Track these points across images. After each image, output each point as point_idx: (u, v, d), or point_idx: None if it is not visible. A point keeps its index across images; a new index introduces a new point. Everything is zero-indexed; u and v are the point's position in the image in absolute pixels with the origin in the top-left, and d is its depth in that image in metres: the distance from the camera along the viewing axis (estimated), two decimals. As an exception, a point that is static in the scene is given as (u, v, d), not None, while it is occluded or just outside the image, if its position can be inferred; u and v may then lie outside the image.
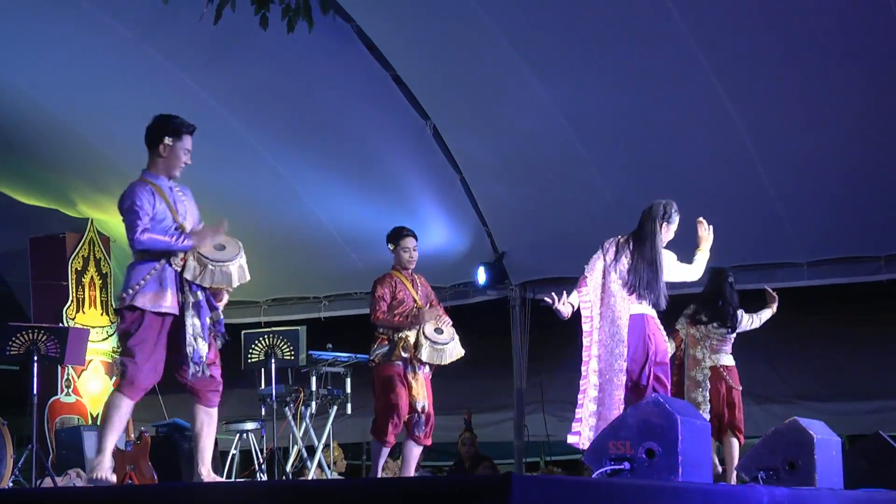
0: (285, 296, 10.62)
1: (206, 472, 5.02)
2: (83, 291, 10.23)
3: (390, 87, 8.56)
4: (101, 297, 10.40)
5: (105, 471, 4.88)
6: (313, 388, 8.31)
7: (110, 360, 10.12)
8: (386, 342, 6.58)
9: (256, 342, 8.28)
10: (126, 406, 4.91)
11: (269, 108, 8.91)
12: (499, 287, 10.00)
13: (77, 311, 10.13)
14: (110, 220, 10.32)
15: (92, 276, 10.34)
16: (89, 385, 10.08)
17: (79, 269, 10.25)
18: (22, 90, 8.89)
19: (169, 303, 4.88)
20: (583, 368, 5.69)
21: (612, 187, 8.79)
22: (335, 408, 8.40)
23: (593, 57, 8.02)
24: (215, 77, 8.62)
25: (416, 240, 6.86)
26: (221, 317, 5.03)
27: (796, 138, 8.04)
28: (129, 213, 4.84)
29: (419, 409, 6.49)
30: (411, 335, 6.54)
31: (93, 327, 10.01)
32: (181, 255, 4.86)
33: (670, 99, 8.08)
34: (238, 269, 4.88)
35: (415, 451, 6.67)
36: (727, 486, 5.41)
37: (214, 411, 5.10)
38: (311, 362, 8.28)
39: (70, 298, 10.06)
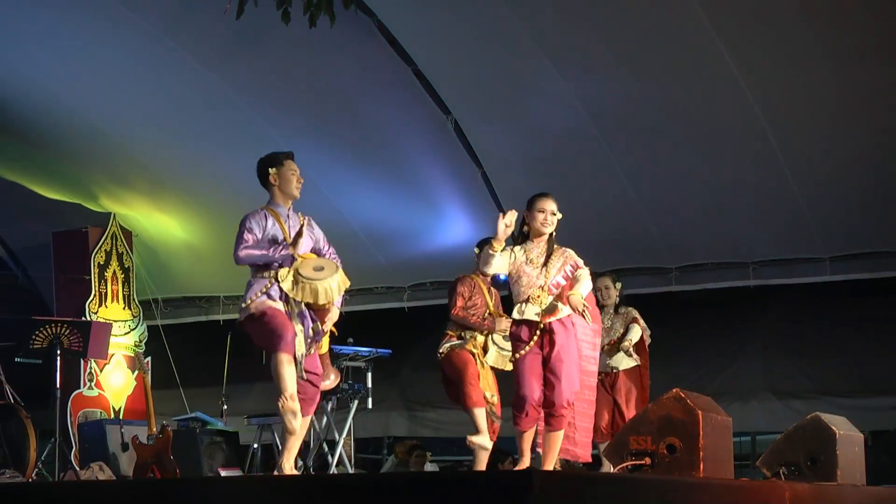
0: (306, 290, 10.74)
1: (288, 468, 5.37)
2: (105, 286, 10.25)
3: (411, 81, 8.55)
4: (123, 291, 10.42)
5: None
6: (334, 382, 8.36)
7: (132, 355, 10.12)
8: (455, 338, 6.65)
9: (278, 336, 8.32)
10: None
11: (290, 103, 8.94)
12: None
13: (99, 306, 10.15)
14: (133, 215, 10.48)
15: (114, 271, 10.36)
16: (111, 379, 10.10)
17: (101, 263, 10.27)
18: (45, 86, 8.96)
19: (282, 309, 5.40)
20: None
21: (633, 181, 8.76)
22: (356, 402, 8.42)
23: (615, 50, 8.00)
24: (237, 72, 8.66)
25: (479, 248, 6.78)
26: (320, 329, 5.47)
27: (819, 131, 8.02)
28: (237, 236, 5.42)
29: (487, 396, 6.54)
30: (480, 338, 6.64)
31: (115, 321, 10.03)
32: (286, 272, 5.36)
33: (692, 93, 8.06)
34: (325, 289, 5.35)
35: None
36: (749, 482, 5.30)
37: (307, 420, 5.49)
38: (332, 357, 8.14)
39: (92, 292, 10.10)
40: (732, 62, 7.68)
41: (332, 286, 5.43)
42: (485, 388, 6.56)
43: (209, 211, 10.09)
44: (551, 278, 5.64)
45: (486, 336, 6.64)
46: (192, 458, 7.83)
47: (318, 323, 5.50)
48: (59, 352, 7.46)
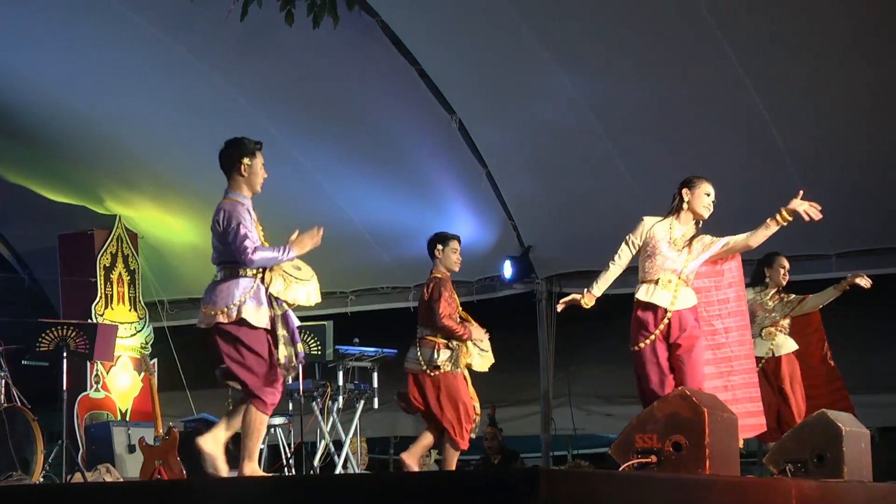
0: (312, 291, 10.76)
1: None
2: (111, 288, 10.28)
3: (415, 81, 8.53)
4: (129, 293, 10.44)
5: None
6: (340, 382, 8.29)
7: (139, 356, 10.15)
8: (444, 347, 6.54)
9: (284, 337, 8.34)
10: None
11: (294, 104, 8.93)
12: (525, 281, 9.95)
13: (105, 308, 10.18)
14: (138, 217, 10.51)
15: (120, 273, 10.38)
16: (118, 381, 10.11)
17: (107, 265, 10.30)
18: (49, 88, 8.97)
19: (266, 319, 5.09)
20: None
21: (638, 179, 8.70)
22: (362, 402, 8.41)
23: (619, 48, 7.97)
24: (241, 73, 8.66)
25: (459, 243, 6.84)
26: (297, 334, 5.23)
27: (823, 127, 7.98)
28: (237, 234, 5.02)
29: (478, 410, 6.59)
30: (464, 346, 6.63)
31: (121, 323, 10.04)
32: (271, 273, 5.07)
33: (696, 90, 8.03)
34: (307, 292, 5.11)
35: (455, 454, 6.70)
36: (756, 479, 5.43)
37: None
38: (337, 357, 8.28)
39: (98, 295, 10.12)
40: (736, 59, 7.65)
41: (316, 288, 5.23)
42: (474, 400, 6.57)
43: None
44: (689, 265, 5.51)
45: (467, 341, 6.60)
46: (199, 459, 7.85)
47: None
48: (65, 354, 7.49)
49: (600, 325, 9.05)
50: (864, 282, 6.68)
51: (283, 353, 5.01)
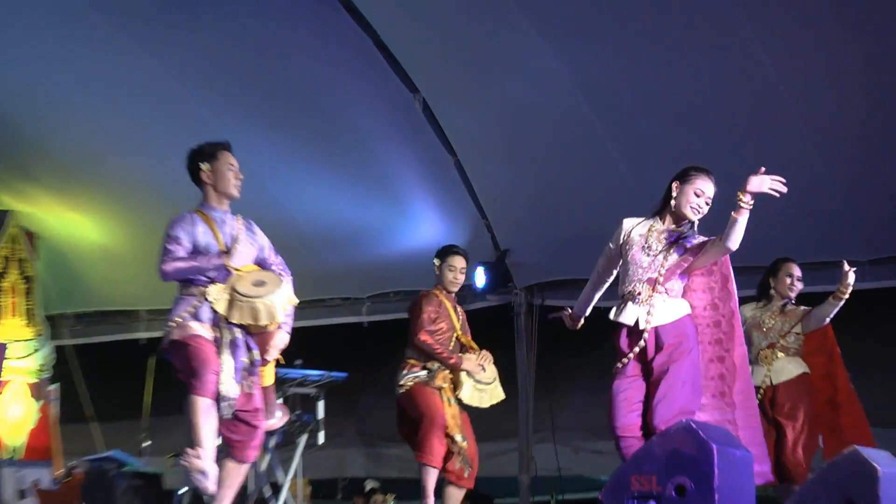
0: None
1: None
2: (3, 298, 10.13)
3: (372, 54, 8.57)
4: (24, 304, 10.35)
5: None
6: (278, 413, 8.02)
7: (35, 381, 10.02)
8: (419, 368, 6.78)
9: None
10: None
11: (227, 82, 8.98)
12: (501, 291, 10.04)
13: (-7, 322, 10.10)
14: (38, 214, 10.54)
15: (13, 280, 10.26)
16: (8, 411, 9.92)
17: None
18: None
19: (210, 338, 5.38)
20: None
21: (635, 172, 8.71)
22: (304, 437, 8.44)
23: (614, 18, 7.98)
24: (168, 46, 8.68)
25: (466, 259, 7.08)
26: (259, 359, 5.46)
27: (857, 118, 8.06)
28: (162, 243, 5.43)
29: (457, 440, 6.65)
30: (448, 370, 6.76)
31: (12, 341, 9.92)
32: (219, 288, 5.36)
33: (705, 68, 8.05)
34: (266, 308, 5.31)
35: (456, 495, 6.81)
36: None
37: (244, 468, 5.49)
38: (276, 382, 8.09)
39: (-16, 306, 10.01)
40: (756, 38, 7.68)
41: (276, 304, 5.39)
42: (453, 430, 6.64)
43: (130, 210, 10.11)
44: (667, 270, 5.47)
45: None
46: (107, 505, 7.64)
47: (258, 351, 5.49)
48: (-64, 379, 7.34)
49: (591, 344, 8.56)
50: (847, 277, 6.55)
51: (221, 383, 5.26)
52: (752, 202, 5.23)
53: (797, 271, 7.11)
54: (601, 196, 8.90)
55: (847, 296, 6.57)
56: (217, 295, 5.37)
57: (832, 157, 8.27)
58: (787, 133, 8.14)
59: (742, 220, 5.25)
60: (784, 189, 5.25)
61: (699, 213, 5.48)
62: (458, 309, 7.08)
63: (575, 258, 8.38)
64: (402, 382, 6.75)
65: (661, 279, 5.42)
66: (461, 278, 7.02)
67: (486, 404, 6.87)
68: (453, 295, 7.05)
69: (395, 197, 9.61)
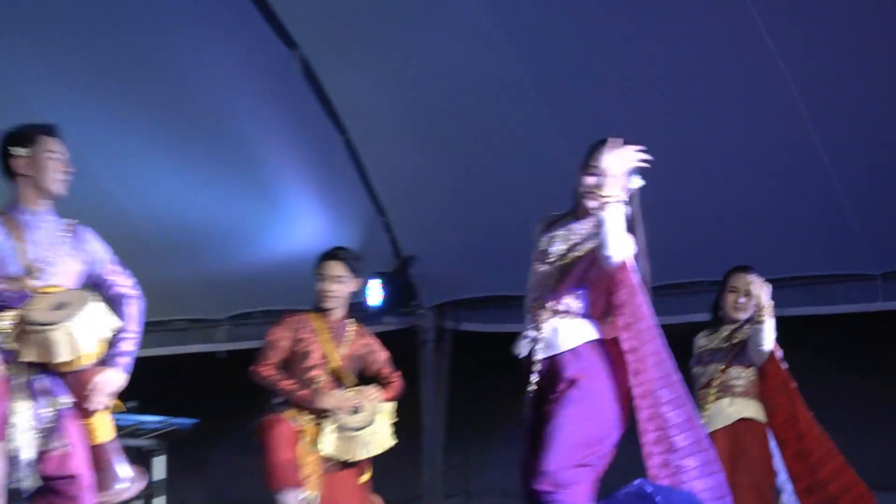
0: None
1: None
2: None
3: (238, 1, 8.52)
4: None
5: None
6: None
7: None
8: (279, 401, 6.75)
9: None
10: None
11: (41, 38, 8.78)
12: (402, 311, 9.98)
13: None
14: None
15: None
16: None
17: None
18: None
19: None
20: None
21: (580, 154, 8.56)
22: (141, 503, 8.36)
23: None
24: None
25: (347, 265, 6.80)
26: (67, 405, 5.18)
27: (871, 117, 8.07)
28: None
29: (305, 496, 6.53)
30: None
31: None
32: (11, 315, 5.16)
33: (692, 39, 8.04)
34: (64, 338, 5.11)
35: None
36: None
37: None
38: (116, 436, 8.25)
39: None
40: (757, 14, 7.64)
41: (79, 332, 5.12)
42: (303, 479, 6.55)
43: None
44: (566, 285, 5.35)
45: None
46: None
47: (72, 395, 5.24)
48: None
49: (518, 383, 8.80)
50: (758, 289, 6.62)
51: (13, 440, 5.05)
52: (617, 194, 5.10)
53: (745, 283, 6.92)
54: (536, 188, 8.50)
55: (768, 317, 6.58)
56: (6, 326, 5.14)
57: (843, 155, 8.32)
58: (793, 129, 8.17)
59: (610, 217, 5.08)
60: (647, 157, 5.20)
61: (595, 202, 5.24)
62: (351, 332, 6.84)
63: (500, 269, 8.62)
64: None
65: (550, 294, 5.38)
66: (335, 290, 6.74)
67: (361, 455, 6.61)
68: (340, 314, 6.78)
69: (264, 188, 9.49)
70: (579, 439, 5.21)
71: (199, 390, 8.67)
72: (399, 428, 10.14)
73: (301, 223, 9.45)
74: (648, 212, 8.74)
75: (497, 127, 8.79)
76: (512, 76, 8.48)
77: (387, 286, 9.66)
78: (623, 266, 5.29)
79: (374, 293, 9.61)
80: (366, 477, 6.75)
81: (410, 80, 8.80)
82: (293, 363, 6.67)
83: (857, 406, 9.02)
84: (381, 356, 6.95)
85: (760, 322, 6.66)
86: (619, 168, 5.14)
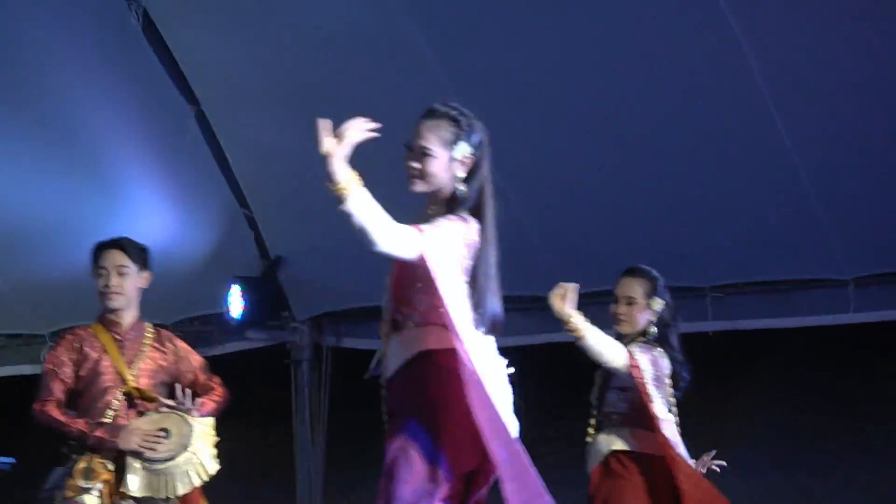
0: None
1: None
2: None
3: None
4: None
5: None
6: None
7: None
8: (65, 456, 6.40)
9: None
10: None
11: None
12: (271, 325, 9.94)
13: None
14: None
15: None
16: None
17: None
18: None
19: None
20: None
21: (500, 133, 8.32)
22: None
23: None
24: None
25: (131, 253, 6.53)
26: None
27: (842, 108, 8.20)
28: None
29: None
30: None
31: None
32: None
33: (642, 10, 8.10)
34: None
35: None
36: None
37: None
38: None
39: None
40: None
41: None
42: None
43: None
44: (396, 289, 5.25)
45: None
46: None
47: None
48: None
49: None
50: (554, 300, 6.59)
51: None
52: (344, 186, 4.85)
53: (625, 289, 6.97)
54: None
55: (569, 330, 6.59)
56: None
57: (812, 149, 8.41)
58: (757, 118, 8.26)
59: (348, 210, 4.88)
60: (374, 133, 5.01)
61: (416, 186, 5.19)
62: (149, 339, 6.54)
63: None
64: (41, 497, 6.35)
65: (388, 301, 5.36)
66: (120, 285, 6.47)
67: (180, 490, 6.29)
68: (131, 316, 6.50)
69: (95, 171, 9.29)
70: (407, 485, 5.01)
71: (17, 422, 8.02)
72: (268, 468, 9.77)
73: (144, 218, 9.21)
74: (590, 210, 8.49)
75: (385, 97, 8.47)
76: (406, 35, 8.47)
77: (250, 294, 9.57)
78: (422, 259, 5.04)
79: (235, 303, 9.52)
80: None
81: (277, 39, 8.77)
82: (83, 392, 6.36)
83: (822, 437, 9.18)
84: (194, 362, 6.65)
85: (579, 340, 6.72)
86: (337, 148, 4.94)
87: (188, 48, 8.88)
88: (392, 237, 4.92)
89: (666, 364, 6.93)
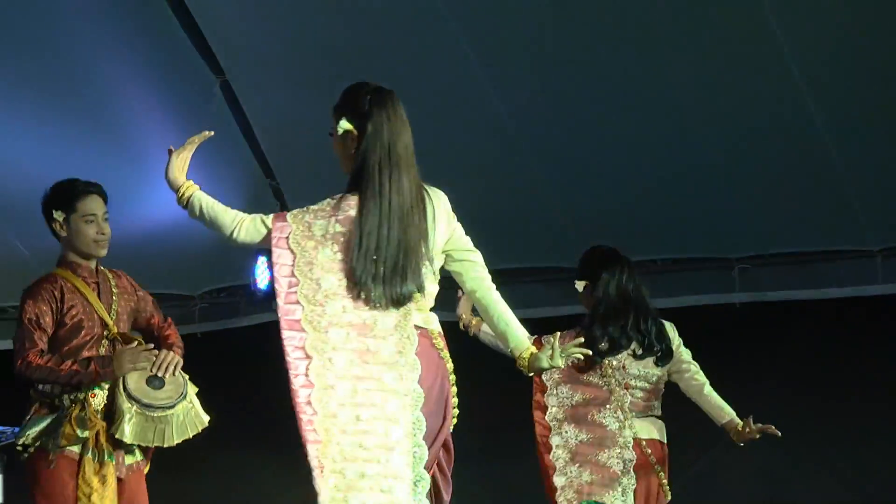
0: None
1: None
2: None
3: None
4: None
5: None
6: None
7: None
8: (45, 413, 6.22)
9: None
10: None
11: None
12: None
13: None
14: None
15: None
16: None
17: None
18: None
19: None
20: None
21: (517, 114, 8.77)
22: None
23: None
24: None
25: (106, 201, 6.40)
26: None
27: (869, 80, 8.16)
28: None
29: None
30: (99, 394, 6.16)
31: None
32: None
33: None
34: None
35: None
36: None
37: None
38: None
39: None
40: None
41: None
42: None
43: None
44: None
45: (112, 387, 6.18)
46: None
47: None
48: None
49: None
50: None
51: None
52: (181, 192, 5.25)
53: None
54: (469, 145, 8.90)
55: (463, 324, 6.72)
56: None
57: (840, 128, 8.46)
58: (783, 90, 8.25)
59: (191, 209, 5.26)
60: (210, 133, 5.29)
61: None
62: (116, 282, 6.44)
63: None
64: (20, 441, 6.23)
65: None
66: (108, 232, 6.37)
67: (171, 441, 6.19)
68: (95, 264, 6.38)
69: (120, 140, 9.20)
70: None
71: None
72: (294, 443, 9.98)
73: (162, 185, 8.89)
74: (616, 182, 8.53)
75: (413, 70, 8.63)
76: (435, 7, 8.40)
77: (276, 266, 9.71)
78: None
79: (262, 274, 9.61)
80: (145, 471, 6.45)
81: (303, 9, 8.66)
82: (65, 339, 6.18)
83: (850, 411, 9.22)
84: (149, 301, 6.54)
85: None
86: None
87: (213, 17, 8.81)
88: (236, 228, 5.11)
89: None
